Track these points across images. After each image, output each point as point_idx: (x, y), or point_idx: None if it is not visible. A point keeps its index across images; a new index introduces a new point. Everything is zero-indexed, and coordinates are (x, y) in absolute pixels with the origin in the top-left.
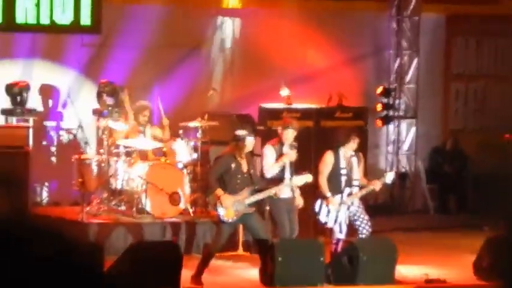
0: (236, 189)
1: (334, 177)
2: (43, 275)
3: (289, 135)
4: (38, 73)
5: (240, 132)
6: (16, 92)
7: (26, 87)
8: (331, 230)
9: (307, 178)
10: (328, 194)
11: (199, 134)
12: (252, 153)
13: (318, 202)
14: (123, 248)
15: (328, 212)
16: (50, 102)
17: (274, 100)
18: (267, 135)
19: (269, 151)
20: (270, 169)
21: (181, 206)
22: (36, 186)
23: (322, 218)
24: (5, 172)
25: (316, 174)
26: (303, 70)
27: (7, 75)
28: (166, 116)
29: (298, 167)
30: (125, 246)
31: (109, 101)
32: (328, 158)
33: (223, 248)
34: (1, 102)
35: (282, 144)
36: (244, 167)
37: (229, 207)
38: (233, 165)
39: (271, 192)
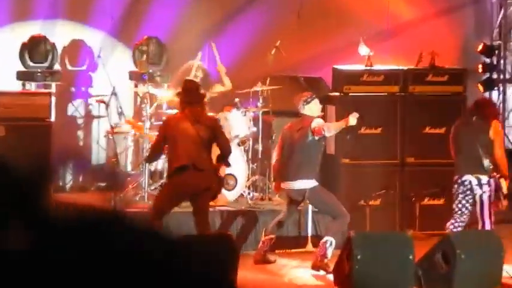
0: None
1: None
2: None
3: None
4: (62, 34)
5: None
6: (35, 49)
7: (47, 44)
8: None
9: None
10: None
11: (259, 103)
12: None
13: (491, 181)
14: None
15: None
16: (77, 63)
17: (351, 61)
18: (343, 103)
19: None
20: None
21: (237, 191)
22: (58, 168)
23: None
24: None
25: (401, 146)
26: (387, 23)
27: (24, 38)
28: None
29: (382, 141)
30: None
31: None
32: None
33: (288, 245)
34: (17, 65)
35: None
36: None
37: None
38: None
39: None
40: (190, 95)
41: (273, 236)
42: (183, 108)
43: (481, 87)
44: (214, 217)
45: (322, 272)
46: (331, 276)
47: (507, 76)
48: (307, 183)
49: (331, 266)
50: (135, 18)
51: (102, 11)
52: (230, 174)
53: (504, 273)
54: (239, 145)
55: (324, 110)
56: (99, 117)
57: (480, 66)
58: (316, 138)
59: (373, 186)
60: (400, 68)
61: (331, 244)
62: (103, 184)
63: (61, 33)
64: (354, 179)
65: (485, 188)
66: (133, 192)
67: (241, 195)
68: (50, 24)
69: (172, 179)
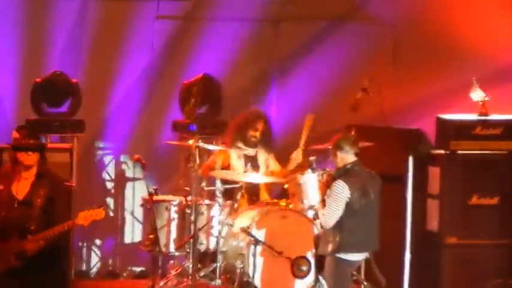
0: None
1: None
2: None
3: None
4: (85, 70)
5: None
6: (50, 91)
7: (67, 84)
8: None
9: None
10: None
11: None
12: None
13: None
14: None
15: None
16: (105, 110)
17: (459, 109)
18: (450, 163)
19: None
20: None
21: (311, 279)
22: (81, 246)
23: None
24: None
25: None
26: (507, 59)
27: (35, 74)
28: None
29: (500, 215)
30: None
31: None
32: None
33: None
34: (26, 111)
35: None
36: None
37: None
38: None
39: None
40: None
41: None
42: None
43: None
44: None
45: None
46: None
47: None
48: None
49: None
50: (181, 54)
51: (142, 30)
52: (302, 257)
53: None
54: (315, 219)
55: (425, 171)
56: (134, 180)
57: None
58: None
59: (488, 274)
60: None
61: None
62: (138, 269)
63: (85, 70)
64: (462, 264)
65: None
66: (177, 280)
67: (315, 285)
68: (70, 58)
69: None
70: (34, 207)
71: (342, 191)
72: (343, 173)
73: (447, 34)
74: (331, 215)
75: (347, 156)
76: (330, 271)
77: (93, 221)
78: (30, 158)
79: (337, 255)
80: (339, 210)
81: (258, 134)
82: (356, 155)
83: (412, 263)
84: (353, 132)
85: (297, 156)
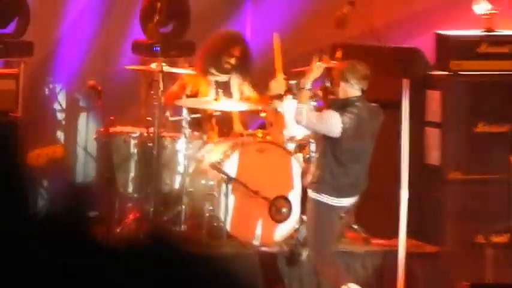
0: None
1: None
2: None
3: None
4: None
5: None
6: None
7: (14, 2)
8: None
9: None
10: None
11: (327, 84)
12: None
13: None
14: None
15: None
16: (56, 30)
17: (462, 24)
18: (451, 86)
19: None
20: None
21: (289, 224)
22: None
23: None
24: None
25: None
26: None
27: None
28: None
29: (506, 149)
30: None
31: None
32: None
33: None
34: None
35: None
36: None
37: None
38: None
39: None
40: None
41: None
42: None
43: None
44: (262, 263)
45: None
46: None
47: None
48: None
49: None
50: None
51: None
52: (282, 197)
53: None
54: (296, 152)
55: (423, 96)
56: (88, 110)
57: None
58: None
59: (499, 214)
60: None
61: None
62: (92, 213)
63: None
64: (467, 203)
65: None
66: (136, 224)
67: (296, 231)
68: None
69: None
70: None
71: (331, 125)
72: (342, 106)
73: None
74: (309, 125)
75: (351, 90)
76: (310, 212)
77: (49, 160)
78: None
79: (317, 197)
80: (318, 128)
81: (233, 60)
82: (362, 91)
83: (409, 203)
84: (340, 53)
85: (277, 85)
